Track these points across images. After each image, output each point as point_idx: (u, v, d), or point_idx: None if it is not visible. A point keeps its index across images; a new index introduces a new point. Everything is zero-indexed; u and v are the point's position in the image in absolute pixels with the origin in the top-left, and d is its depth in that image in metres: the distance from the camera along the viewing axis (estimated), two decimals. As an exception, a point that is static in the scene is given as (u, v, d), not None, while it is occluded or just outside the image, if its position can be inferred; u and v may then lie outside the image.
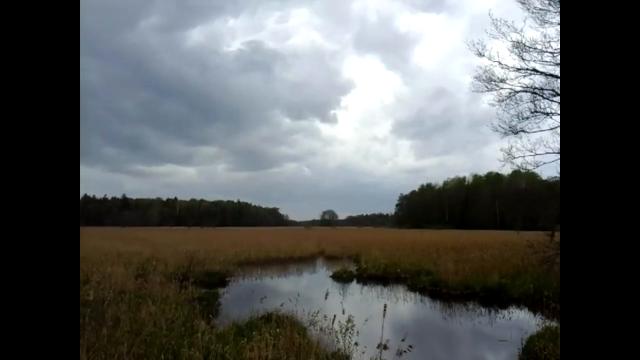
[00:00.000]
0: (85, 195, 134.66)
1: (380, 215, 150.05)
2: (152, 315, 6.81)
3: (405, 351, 4.86)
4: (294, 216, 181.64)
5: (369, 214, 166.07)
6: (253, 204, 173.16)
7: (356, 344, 5.61)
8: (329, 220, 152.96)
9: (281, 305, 7.42)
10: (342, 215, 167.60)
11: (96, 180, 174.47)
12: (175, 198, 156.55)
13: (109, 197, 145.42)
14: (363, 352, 5.49)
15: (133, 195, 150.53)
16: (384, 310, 5.05)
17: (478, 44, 13.47)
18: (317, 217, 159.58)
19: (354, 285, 15.43)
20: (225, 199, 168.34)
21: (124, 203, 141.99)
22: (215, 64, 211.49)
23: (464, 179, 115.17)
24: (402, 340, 4.91)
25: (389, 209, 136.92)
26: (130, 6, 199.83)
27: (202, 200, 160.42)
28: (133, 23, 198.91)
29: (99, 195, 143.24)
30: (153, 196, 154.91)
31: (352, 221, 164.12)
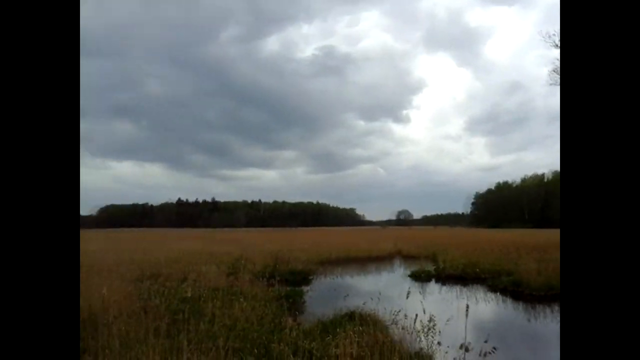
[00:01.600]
0: (179, 199, 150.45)
1: (456, 215, 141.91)
2: (244, 311, 7.33)
3: (489, 352, 4.68)
4: (369, 216, 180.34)
5: (443, 213, 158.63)
6: (331, 205, 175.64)
7: (439, 343, 5.52)
8: (404, 220, 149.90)
9: (363, 303, 7.52)
10: (416, 215, 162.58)
11: (188, 185, 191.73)
12: (260, 200, 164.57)
13: (200, 200, 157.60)
14: (446, 352, 5.38)
15: (221, 198, 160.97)
16: (467, 310, 4.90)
17: (554, 34, 12.24)
18: (392, 216, 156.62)
19: (433, 285, 15.07)
20: (305, 200, 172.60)
21: (214, 206, 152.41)
22: (290, 70, 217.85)
23: (542, 175, 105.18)
24: (485, 342, 4.74)
25: (464, 207, 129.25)
26: (212, 19, 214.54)
27: (284, 202, 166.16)
28: (215, 35, 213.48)
29: (192, 199, 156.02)
30: (239, 199, 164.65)
31: (427, 221, 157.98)
